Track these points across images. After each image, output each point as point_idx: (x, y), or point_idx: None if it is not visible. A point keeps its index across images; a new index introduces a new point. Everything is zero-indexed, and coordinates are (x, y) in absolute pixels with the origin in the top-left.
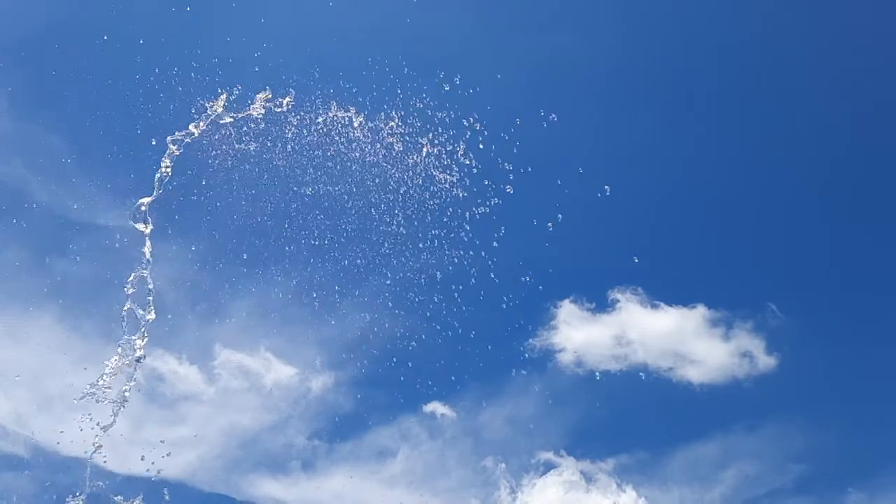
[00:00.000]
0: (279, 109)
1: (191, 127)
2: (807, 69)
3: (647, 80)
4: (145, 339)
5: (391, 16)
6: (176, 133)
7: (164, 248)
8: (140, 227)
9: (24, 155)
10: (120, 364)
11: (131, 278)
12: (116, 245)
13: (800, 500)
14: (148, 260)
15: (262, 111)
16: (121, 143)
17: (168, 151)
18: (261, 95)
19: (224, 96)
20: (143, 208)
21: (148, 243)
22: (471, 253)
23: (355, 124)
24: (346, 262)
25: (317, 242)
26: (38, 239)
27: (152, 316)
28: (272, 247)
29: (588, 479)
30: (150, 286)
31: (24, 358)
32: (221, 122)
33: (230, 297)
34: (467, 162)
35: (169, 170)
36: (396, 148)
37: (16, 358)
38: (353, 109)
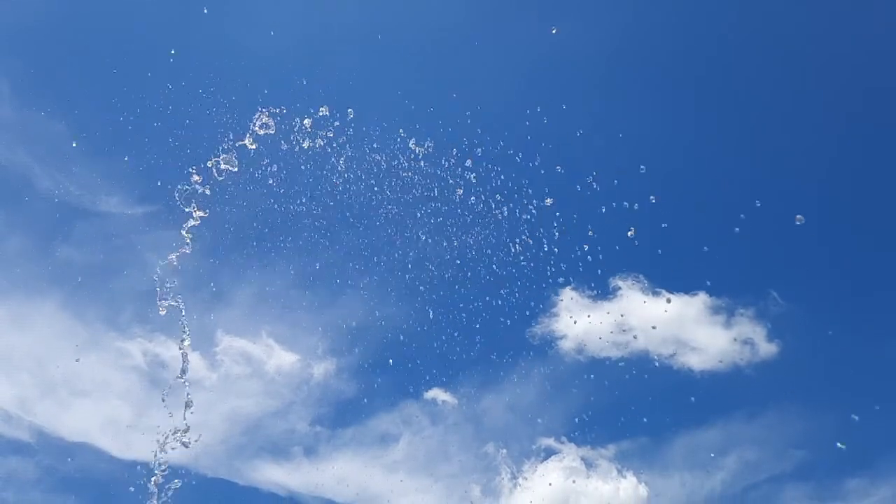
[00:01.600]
0: (322, 143)
1: (223, 164)
2: (805, 56)
3: (648, 70)
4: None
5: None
6: (210, 160)
7: (165, 234)
8: (163, 309)
9: (26, 142)
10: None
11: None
12: (118, 232)
13: (800, 486)
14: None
15: (310, 142)
16: (123, 131)
17: (194, 189)
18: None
19: (263, 120)
20: (173, 265)
21: (183, 316)
22: (472, 240)
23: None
24: (348, 249)
25: (319, 229)
26: (40, 226)
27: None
28: (274, 233)
29: (589, 465)
30: (183, 311)
31: (27, 344)
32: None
33: (232, 283)
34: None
35: (199, 219)
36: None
37: (19, 344)
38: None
